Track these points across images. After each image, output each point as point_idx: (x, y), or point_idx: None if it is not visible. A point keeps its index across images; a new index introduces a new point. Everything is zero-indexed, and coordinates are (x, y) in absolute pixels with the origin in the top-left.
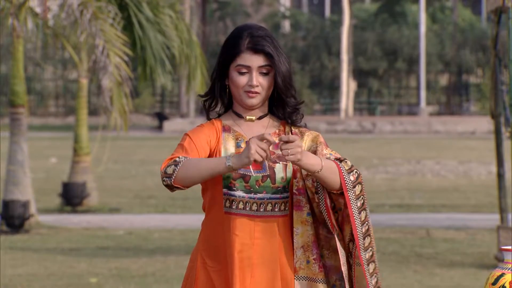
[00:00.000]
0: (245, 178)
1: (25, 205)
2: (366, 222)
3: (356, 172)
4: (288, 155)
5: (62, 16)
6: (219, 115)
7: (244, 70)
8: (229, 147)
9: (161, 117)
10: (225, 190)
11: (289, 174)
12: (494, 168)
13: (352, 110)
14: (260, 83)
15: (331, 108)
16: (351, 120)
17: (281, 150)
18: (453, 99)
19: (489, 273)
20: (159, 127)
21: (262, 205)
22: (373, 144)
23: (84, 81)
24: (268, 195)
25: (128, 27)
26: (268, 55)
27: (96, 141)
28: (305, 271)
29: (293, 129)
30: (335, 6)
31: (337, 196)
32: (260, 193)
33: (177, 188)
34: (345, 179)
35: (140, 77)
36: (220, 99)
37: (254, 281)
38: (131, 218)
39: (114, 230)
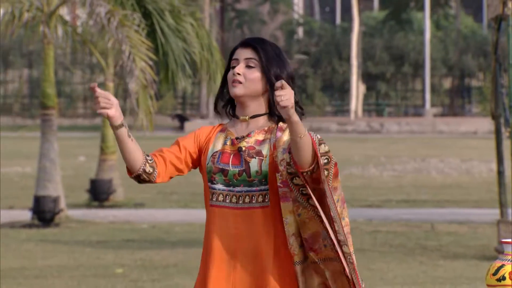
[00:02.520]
0: (223, 172)
1: (56, 200)
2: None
3: (326, 146)
4: (282, 101)
5: (90, 23)
6: (233, 114)
7: (235, 63)
8: (217, 144)
9: (182, 119)
10: (208, 184)
11: (265, 167)
12: (494, 166)
13: (361, 112)
14: (243, 73)
15: (342, 109)
16: (361, 121)
17: (276, 97)
18: (456, 101)
19: (490, 264)
20: (181, 128)
21: (240, 198)
22: (381, 144)
23: (111, 84)
24: (246, 188)
25: (151, 34)
26: (255, 50)
27: None
28: (299, 256)
29: (280, 124)
30: (345, 14)
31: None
32: (238, 186)
33: (137, 176)
34: (317, 148)
35: (163, 81)
36: (221, 99)
37: (237, 272)
38: (155, 213)
39: (138, 224)
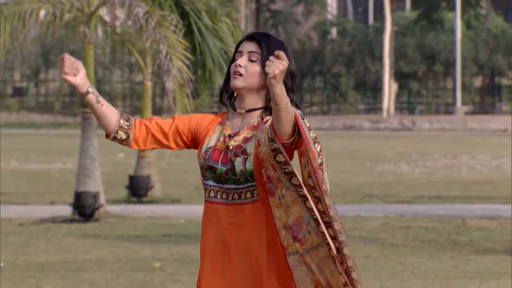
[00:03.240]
0: (213, 169)
1: (96, 196)
2: (321, 156)
3: (307, 122)
4: (268, 67)
5: (129, 24)
6: (233, 106)
7: (238, 57)
8: (212, 139)
9: None
10: (201, 178)
11: (250, 166)
12: None
13: (393, 110)
14: (245, 65)
15: (374, 107)
16: (393, 119)
17: (266, 63)
18: (486, 99)
19: None
20: None
21: (230, 194)
22: (413, 141)
23: (149, 83)
24: (233, 186)
25: (188, 34)
26: (259, 44)
27: None
28: (293, 246)
29: (266, 118)
30: (378, 14)
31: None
32: (226, 183)
33: (112, 138)
34: (299, 120)
35: (200, 80)
36: (226, 91)
37: (232, 266)
38: (191, 208)
39: (175, 219)
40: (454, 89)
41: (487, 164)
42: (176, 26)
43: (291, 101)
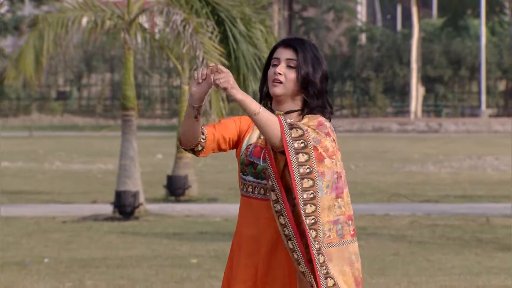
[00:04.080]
0: (253, 165)
1: (135, 195)
2: (307, 179)
3: (300, 130)
4: (220, 83)
5: (167, 30)
6: (270, 108)
7: (276, 62)
8: (253, 137)
9: None
10: (240, 174)
11: None
12: None
13: (420, 112)
14: (284, 73)
15: (402, 110)
16: (420, 121)
17: (214, 81)
18: (510, 102)
19: None
20: None
21: (267, 190)
22: (439, 142)
23: (186, 88)
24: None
25: (224, 40)
26: (296, 51)
27: None
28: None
29: (307, 115)
30: (406, 21)
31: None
32: (264, 179)
33: (189, 149)
34: (285, 131)
35: None
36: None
37: (264, 260)
38: (227, 207)
39: (212, 217)
40: (479, 92)
41: (510, 165)
42: (212, 32)
43: (323, 102)
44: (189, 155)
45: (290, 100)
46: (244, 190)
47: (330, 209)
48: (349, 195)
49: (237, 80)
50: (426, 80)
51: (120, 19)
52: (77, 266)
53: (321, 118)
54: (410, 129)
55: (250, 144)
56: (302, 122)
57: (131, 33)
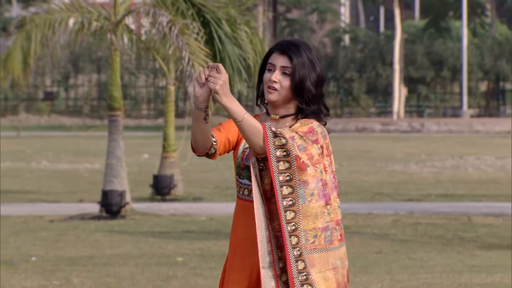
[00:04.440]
0: (249, 168)
1: (122, 194)
2: (288, 192)
3: (283, 139)
4: (210, 81)
5: (153, 32)
6: (266, 110)
7: (271, 68)
8: None
9: None
10: (236, 177)
11: None
12: None
13: (403, 113)
14: (279, 80)
15: (385, 111)
16: (402, 121)
17: (207, 76)
18: (491, 103)
19: None
20: None
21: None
22: (422, 142)
23: (172, 88)
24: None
25: (209, 41)
26: (291, 59)
27: (182, 140)
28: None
29: (301, 120)
30: (388, 22)
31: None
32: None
33: (203, 154)
34: (268, 139)
35: None
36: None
37: (257, 261)
38: (212, 206)
39: (197, 216)
40: (460, 93)
41: (492, 164)
42: (197, 34)
43: (306, 102)
44: (175, 154)
45: (285, 104)
46: (240, 193)
47: (317, 217)
48: (338, 200)
49: None
50: (409, 81)
51: (106, 21)
52: (64, 264)
53: (313, 124)
54: (393, 129)
55: (247, 148)
56: (294, 126)
57: (118, 34)
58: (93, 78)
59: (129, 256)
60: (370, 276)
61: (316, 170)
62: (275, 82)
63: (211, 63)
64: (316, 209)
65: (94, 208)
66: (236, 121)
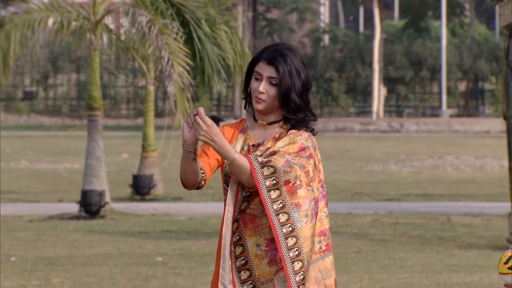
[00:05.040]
0: None
1: (101, 194)
2: (287, 225)
3: (271, 168)
4: (199, 136)
5: (133, 31)
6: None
7: (258, 76)
8: (236, 148)
9: (217, 119)
10: (224, 185)
11: None
12: (506, 163)
13: (382, 113)
14: (267, 91)
15: (364, 110)
16: (382, 121)
17: (195, 129)
18: (470, 103)
19: (502, 253)
20: None
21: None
22: (401, 142)
23: (152, 88)
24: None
25: (189, 41)
26: (277, 70)
27: (162, 139)
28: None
29: (290, 131)
30: (368, 22)
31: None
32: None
33: (194, 188)
34: (256, 171)
35: (199, 84)
36: (247, 99)
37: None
38: (192, 206)
39: (177, 216)
40: (439, 93)
41: (470, 164)
42: (177, 33)
43: (293, 110)
44: (154, 154)
45: (273, 112)
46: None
47: (312, 237)
48: (325, 210)
49: (202, 80)
50: (388, 81)
51: (86, 20)
52: (43, 264)
53: (302, 138)
54: (372, 129)
55: None
56: (283, 144)
57: (97, 34)
58: (73, 78)
59: (109, 256)
60: (349, 275)
61: (308, 190)
62: (262, 93)
63: (194, 110)
64: (310, 229)
65: (73, 208)
66: (226, 162)
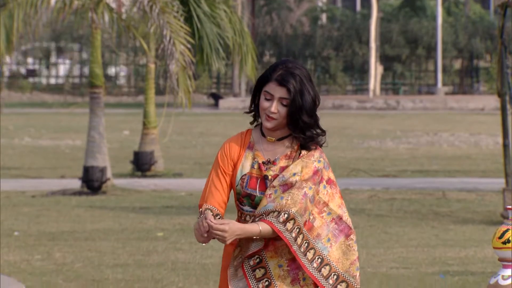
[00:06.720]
0: (251, 196)
1: (103, 170)
2: (316, 259)
3: (291, 220)
4: (222, 241)
5: (134, 10)
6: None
7: (268, 97)
8: (246, 165)
9: (216, 97)
10: (237, 202)
11: None
12: (500, 139)
13: (379, 90)
14: (279, 111)
15: (361, 88)
16: (378, 99)
17: (213, 234)
18: (465, 80)
19: (496, 228)
20: (215, 105)
21: None
22: (397, 119)
23: (152, 66)
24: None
25: (188, 20)
26: (289, 91)
27: (162, 117)
28: None
29: (302, 152)
30: (365, 2)
31: None
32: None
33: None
34: (281, 230)
35: (198, 63)
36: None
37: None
38: (192, 182)
39: (177, 192)
40: (435, 71)
41: (466, 141)
42: (177, 12)
43: (313, 131)
44: (155, 131)
45: (281, 128)
46: (242, 218)
47: (345, 253)
48: (352, 236)
49: (201, 58)
50: (385, 59)
51: None
52: (46, 239)
53: (314, 159)
54: (369, 106)
55: (245, 175)
56: (297, 170)
57: (99, 13)
58: (75, 56)
59: (110, 231)
60: None
61: (322, 217)
62: (274, 113)
63: (205, 224)
64: (341, 246)
65: (75, 184)
66: (256, 237)
